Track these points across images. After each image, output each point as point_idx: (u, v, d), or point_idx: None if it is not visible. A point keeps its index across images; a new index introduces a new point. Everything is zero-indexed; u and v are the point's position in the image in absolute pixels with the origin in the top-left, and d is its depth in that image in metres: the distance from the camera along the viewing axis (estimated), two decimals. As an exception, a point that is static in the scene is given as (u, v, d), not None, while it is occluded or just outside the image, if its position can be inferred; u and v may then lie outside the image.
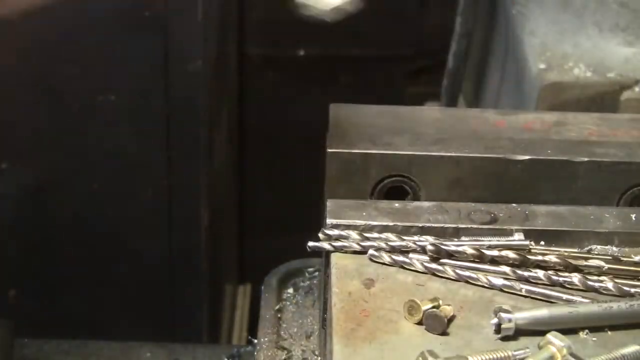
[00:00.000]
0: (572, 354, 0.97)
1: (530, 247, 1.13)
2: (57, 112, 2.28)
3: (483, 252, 1.10)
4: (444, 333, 1.02)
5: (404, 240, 1.13)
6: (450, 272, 1.09)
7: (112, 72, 2.24)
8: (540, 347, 0.99)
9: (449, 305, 1.04)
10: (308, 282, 1.46)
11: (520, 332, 1.02)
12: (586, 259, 1.11)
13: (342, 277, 1.10)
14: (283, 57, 2.96)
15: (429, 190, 1.23)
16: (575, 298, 1.06)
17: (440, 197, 1.22)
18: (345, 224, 1.15)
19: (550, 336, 0.99)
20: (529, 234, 1.14)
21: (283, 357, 1.33)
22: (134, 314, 2.58)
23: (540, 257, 1.10)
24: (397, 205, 1.18)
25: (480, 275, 1.09)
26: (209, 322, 2.64)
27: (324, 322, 1.20)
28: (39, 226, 2.43)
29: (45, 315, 2.53)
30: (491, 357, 0.97)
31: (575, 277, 1.09)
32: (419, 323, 1.03)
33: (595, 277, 1.10)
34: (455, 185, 1.23)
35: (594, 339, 1.02)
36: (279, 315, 1.40)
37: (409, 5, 2.93)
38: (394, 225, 1.15)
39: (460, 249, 1.10)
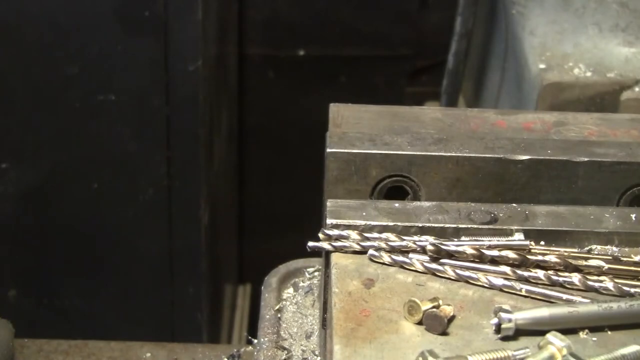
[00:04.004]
0: (572, 354, 0.97)
1: (530, 247, 1.13)
2: (57, 112, 2.28)
3: (483, 252, 1.10)
4: (444, 333, 1.02)
5: (404, 240, 1.13)
6: (450, 272, 1.09)
7: (112, 72, 2.24)
8: (540, 347, 0.99)
9: (449, 305, 1.04)
10: (308, 282, 1.46)
11: (520, 332, 1.02)
12: (586, 259, 1.11)
13: (342, 277, 1.10)
14: (283, 57, 2.96)
15: (429, 190, 1.23)
16: (575, 298, 1.06)
17: (440, 197, 1.22)
18: (345, 224, 1.15)
19: (550, 336, 0.99)
20: (529, 234, 1.14)
21: (283, 357, 1.33)
22: (134, 313, 2.58)
23: (540, 257, 1.10)
24: (397, 205, 1.18)
25: (480, 275, 1.09)
26: (209, 322, 2.64)
27: (324, 322, 1.20)
28: (38, 226, 2.44)
29: (45, 315, 2.54)
30: (491, 357, 0.97)
31: (575, 277, 1.09)
32: (419, 323, 1.03)
33: (595, 277, 1.10)
34: (455, 185, 1.23)
35: (594, 339, 1.02)
36: (279, 315, 1.40)
37: (409, 5, 2.93)
38: (394, 225, 1.15)
39: (460, 249, 1.10)
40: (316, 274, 1.48)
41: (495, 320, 1.02)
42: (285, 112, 3.01)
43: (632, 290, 1.08)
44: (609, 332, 1.03)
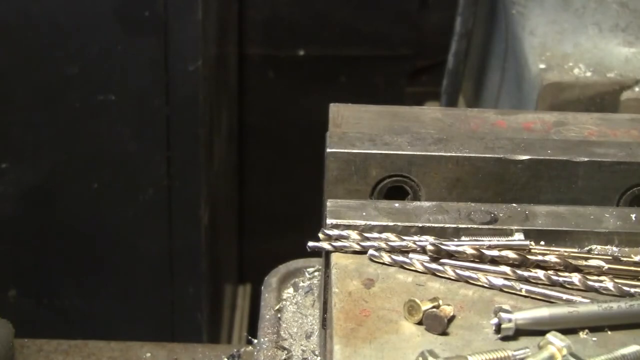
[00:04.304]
0: (572, 354, 0.97)
1: (530, 247, 1.13)
2: (57, 112, 2.28)
3: (483, 252, 1.10)
4: (444, 333, 1.02)
5: (404, 240, 1.13)
6: (450, 272, 1.09)
7: (112, 72, 2.24)
8: (540, 347, 0.99)
9: (449, 305, 1.04)
10: (308, 282, 1.46)
11: (520, 332, 1.02)
12: (586, 259, 1.11)
13: (342, 277, 1.10)
14: (283, 57, 2.96)
15: (429, 190, 1.23)
16: (575, 298, 1.06)
17: (440, 197, 1.22)
18: (345, 224, 1.15)
19: (550, 336, 0.99)
20: (529, 234, 1.14)
21: (283, 357, 1.33)
22: (134, 313, 2.58)
23: (540, 257, 1.10)
24: (397, 205, 1.18)
25: (480, 275, 1.09)
26: (209, 322, 2.64)
27: (324, 322, 1.20)
28: (39, 226, 2.44)
29: (45, 315, 2.54)
30: (491, 357, 0.97)
31: (575, 277, 1.09)
32: (419, 323, 1.03)
33: (595, 277, 1.10)
34: (455, 185, 1.23)
35: (594, 339, 1.02)
36: (279, 315, 1.40)
37: (409, 5, 2.93)
38: (394, 225, 1.15)
39: (460, 249, 1.10)
40: (316, 274, 1.48)
41: (495, 320, 1.02)
42: (285, 112, 3.01)
43: (632, 290, 1.08)
44: (609, 332, 1.03)
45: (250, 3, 2.88)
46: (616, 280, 1.09)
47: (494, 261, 1.10)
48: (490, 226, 1.15)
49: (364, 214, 1.16)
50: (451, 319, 1.04)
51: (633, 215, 1.18)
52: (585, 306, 1.03)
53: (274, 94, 2.98)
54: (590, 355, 0.99)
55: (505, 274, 1.09)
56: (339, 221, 1.15)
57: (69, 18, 2.18)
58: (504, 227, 1.14)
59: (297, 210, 2.89)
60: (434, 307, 1.04)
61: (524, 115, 1.36)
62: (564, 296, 1.07)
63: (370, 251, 1.12)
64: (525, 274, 1.09)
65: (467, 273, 1.09)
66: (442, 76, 2.86)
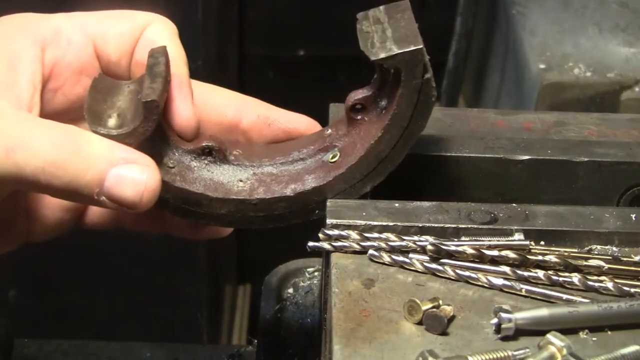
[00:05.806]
0: (572, 354, 0.97)
1: (530, 247, 1.13)
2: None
3: (483, 252, 1.10)
4: (444, 333, 1.02)
5: (404, 240, 1.12)
6: (450, 272, 1.09)
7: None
8: (540, 347, 0.99)
9: (449, 305, 1.04)
10: (308, 282, 1.46)
11: (520, 332, 1.02)
12: (586, 259, 1.11)
13: (342, 277, 1.10)
14: (283, 57, 2.96)
15: (429, 190, 1.23)
16: (575, 298, 1.06)
17: (440, 197, 1.22)
18: (345, 224, 1.15)
19: (550, 336, 0.99)
20: (529, 234, 1.14)
21: (283, 357, 1.33)
22: (134, 314, 2.58)
23: (540, 257, 1.10)
24: (397, 205, 1.18)
25: (480, 275, 1.09)
26: (209, 322, 2.64)
27: (324, 322, 1.20)
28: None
29: (45, 315, 2.54)
30: (491, 357, 0.97)
31: (575, 277, 1.09)
32: (419, 323, 1.03)
33: (595, 277, 1.10)
34: (455, 185, 1.23)
35: (594, 339, 1.02)
36: (279, 315, 1.40)
37: (409, 5, 2.92)
38: (394, 225, 1.15)
39: (460, 249, 1.10)
40: (316, 274, 1.48)
41: (495, 320, 1.02)
42: (285, 112, 3.00)
43: (632, 290, 1.08)
44: (609, 332, 1.03)
45: (250, 3, 2.88)
46: (616, 280, 1.09)
47: (494, 261, 1.10)
48: (490, 226, 1.15)
49: (364, 214, 1.16)
50: (451, 319, 1.04)
51: (633, 215, 1.18)
52: (585, 306, 1.03)
53: (274, 94, 2.97)
54: (590, 355, 0.99)
55: (505, 274, 1.09)
56: (339, 221, 1.15)
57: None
58: (504, 227, 1.14)
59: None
60: (434, 307, 1.03)
61: (524, 115, 1.36)
62: (564, 296, 1.07)
63: (370, 251, 1.12)
64: (525, 274, 1.09)
65: (467, 273, 1.09)
66: (442, 76, 2.86)
